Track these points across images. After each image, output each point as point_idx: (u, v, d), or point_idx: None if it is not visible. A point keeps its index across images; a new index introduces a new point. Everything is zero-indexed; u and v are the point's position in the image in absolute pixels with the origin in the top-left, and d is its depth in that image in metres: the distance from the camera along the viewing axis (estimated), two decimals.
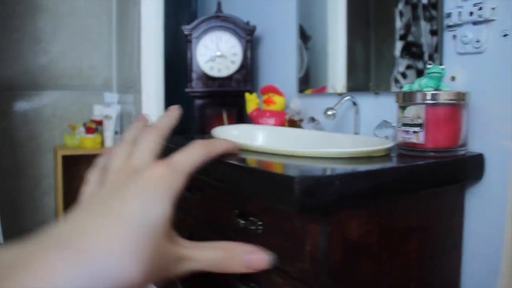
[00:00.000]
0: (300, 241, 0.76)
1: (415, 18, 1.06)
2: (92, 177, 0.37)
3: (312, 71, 1.49)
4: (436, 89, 0.90)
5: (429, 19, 1.02)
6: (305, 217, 0.75)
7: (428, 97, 0.86)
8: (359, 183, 0.70)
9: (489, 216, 0.92)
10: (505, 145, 0.88)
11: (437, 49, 1.01)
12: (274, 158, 0.87)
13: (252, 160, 0.85)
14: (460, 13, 0.93)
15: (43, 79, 2.30)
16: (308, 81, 1.50)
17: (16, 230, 2.24)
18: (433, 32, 1.01)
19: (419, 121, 0.87)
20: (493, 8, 0.88)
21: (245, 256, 0.35)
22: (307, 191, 0.64)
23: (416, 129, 0.87)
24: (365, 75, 1.28)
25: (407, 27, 1.09)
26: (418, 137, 0.87)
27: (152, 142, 0.36)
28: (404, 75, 1.12)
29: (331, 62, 1.43)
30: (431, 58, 1.03)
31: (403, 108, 0.90)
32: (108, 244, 0.28)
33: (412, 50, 1.09)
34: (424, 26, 1.04)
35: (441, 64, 0.96)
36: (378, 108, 1.19)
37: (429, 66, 0.91)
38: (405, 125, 0.90)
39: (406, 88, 0.95)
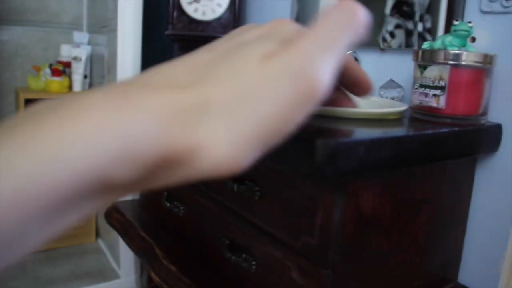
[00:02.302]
0: (308, 212, 0.67)
1: None
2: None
3: (302, 22, 1.37)
4: (461, 49, 0.81)
5: None
6: (314, 184, 0.66)
7: (453, 57, 0.77)
8: (383, 150, 0.61)
9: (498, 191, 0.86)
10: None
11: (429, 10, 0.97)
12: None
13: None
14: None
15: (2, 12, 2.07)
16: None
17: None
18: None
19: (442, 83, 0.77)
20: None
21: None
22: (330, 157, 0.54)
23: (438, 92, 0.78)
24: None
25: None
26: (438, 101, 0.78)
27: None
28: (392, 34, 1.07)
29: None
30: (421, 19, 0.98)
31: (422, 67, 0.81)
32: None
33: (403, 9, 1.04)
34: None
35: (469, 22, 0.86)
36: (382, 65, 1.09)
37: (456, 23, 0.81)
38: (423, 86, 0.80)
39: (426, 45, 0.85)
